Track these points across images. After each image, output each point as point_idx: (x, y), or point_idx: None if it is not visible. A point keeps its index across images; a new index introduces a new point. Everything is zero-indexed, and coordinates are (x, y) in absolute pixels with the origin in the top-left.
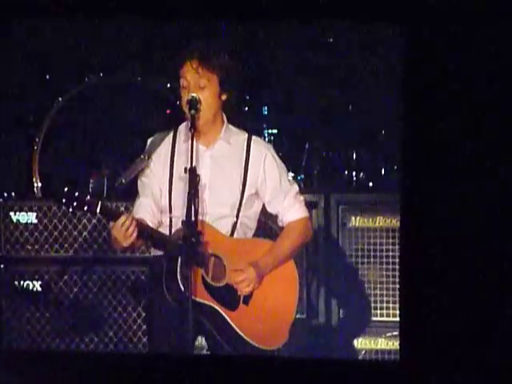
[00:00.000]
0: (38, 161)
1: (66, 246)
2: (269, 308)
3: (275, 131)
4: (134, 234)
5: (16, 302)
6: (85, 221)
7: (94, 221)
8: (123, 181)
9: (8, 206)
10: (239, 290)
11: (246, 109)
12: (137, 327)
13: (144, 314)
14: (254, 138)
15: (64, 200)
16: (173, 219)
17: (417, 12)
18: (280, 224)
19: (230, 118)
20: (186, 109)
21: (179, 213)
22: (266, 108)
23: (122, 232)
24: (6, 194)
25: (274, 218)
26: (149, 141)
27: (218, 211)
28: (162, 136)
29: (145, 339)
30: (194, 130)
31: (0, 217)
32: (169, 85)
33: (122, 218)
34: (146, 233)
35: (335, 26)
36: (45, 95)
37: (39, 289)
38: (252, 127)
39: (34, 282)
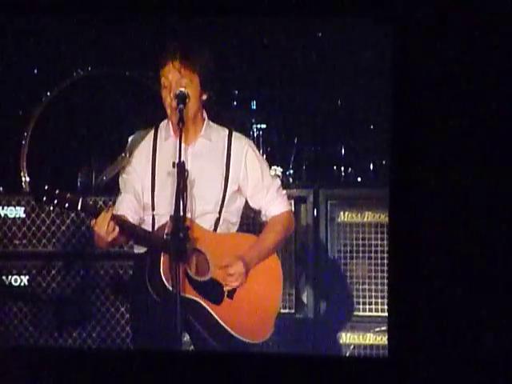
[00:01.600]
0: (26, 155)
1: (54, 240)
2: (253, 301)
3: (264, 126)
4: (116, 230)
5: (3, 296)
6: (73, 215)
7: (83, 215)
8: (104, 178)
9: None
10: (227, 285)
11: (235, 103)
12: (125, 322)
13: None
14: (234, 134)
15: (44, 198)
16: (156, 217)
17: (404, 6)
18: (263, 219)
19: (211, 116)
20: (169, 107)
21: (162, 210)
22: (254, 102)
23: (104, 228)
24: None
25: (257, 212)
26: (129, 139)
27: (201, 208)
28: (143, 134)
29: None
30: (182, 124)
31: None
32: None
33: (103, 214)
34: (128, 229)
35: (323, 21)
36: (33, 89)
37: (26, 283)
38: (240, 122)
39: (22, 277)
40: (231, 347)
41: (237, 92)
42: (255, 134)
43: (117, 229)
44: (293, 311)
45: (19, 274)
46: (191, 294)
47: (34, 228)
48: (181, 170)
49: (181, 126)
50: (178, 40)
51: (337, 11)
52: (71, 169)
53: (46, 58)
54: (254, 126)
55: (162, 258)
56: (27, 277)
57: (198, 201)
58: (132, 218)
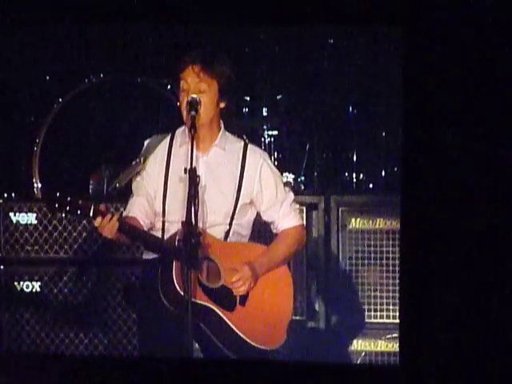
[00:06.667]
0: (38, 161)
1: (66, 247)
2: (265, 308)
3: (275, 132)
4: (114, 230)
5: (15, 302)
6: (84, 222)
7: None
8: (117, 185)
9: (8, 206)
10: (235, 290)
11: (246, 110)
12: (136, 329)
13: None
14: (249, 146)
15: (56, 205)
16: (166, 223)
17: (414, 13)
18: (274, 231)
19: (228, 126)
20: (184, 111)
21: (173, 217)
22: (265, 109)
23: (109, 231)
24: (5, 195)
25: (268, 224)
26: (145, 143)
27: (211, 218)
28: (159, 139)
29: None
30: (194, 130)
31: (0, 217)
32: (169, 86)
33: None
34: (137, 234)
35: (335, 28)
36: (45, 96)
37: (38, 290)
38: (252, 129)
39: (34, 283)
40: (242, 354)
41: (248, 99)
42: (267, 141)
43: (117, 229)
44: (304, 318)
45: (31, 280)
46: (204, 301)
47: (45, 234)
48: (192, 176)
49: (193, 133)
50: (198, 46)
51: (348, 18)
52: (83, 175)
53: (57, 64)
54: (266, 132)
55: (174, 265)
56: (39, 283)
57: (209, 211)
58: (143, 221)
